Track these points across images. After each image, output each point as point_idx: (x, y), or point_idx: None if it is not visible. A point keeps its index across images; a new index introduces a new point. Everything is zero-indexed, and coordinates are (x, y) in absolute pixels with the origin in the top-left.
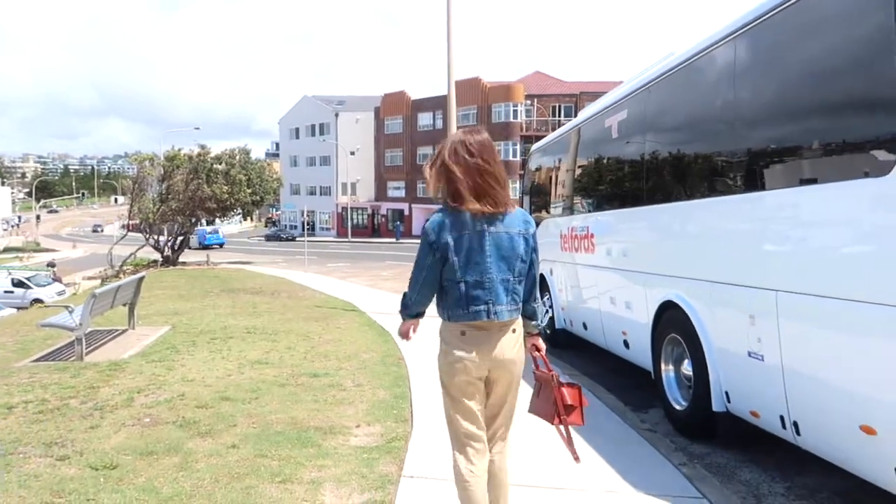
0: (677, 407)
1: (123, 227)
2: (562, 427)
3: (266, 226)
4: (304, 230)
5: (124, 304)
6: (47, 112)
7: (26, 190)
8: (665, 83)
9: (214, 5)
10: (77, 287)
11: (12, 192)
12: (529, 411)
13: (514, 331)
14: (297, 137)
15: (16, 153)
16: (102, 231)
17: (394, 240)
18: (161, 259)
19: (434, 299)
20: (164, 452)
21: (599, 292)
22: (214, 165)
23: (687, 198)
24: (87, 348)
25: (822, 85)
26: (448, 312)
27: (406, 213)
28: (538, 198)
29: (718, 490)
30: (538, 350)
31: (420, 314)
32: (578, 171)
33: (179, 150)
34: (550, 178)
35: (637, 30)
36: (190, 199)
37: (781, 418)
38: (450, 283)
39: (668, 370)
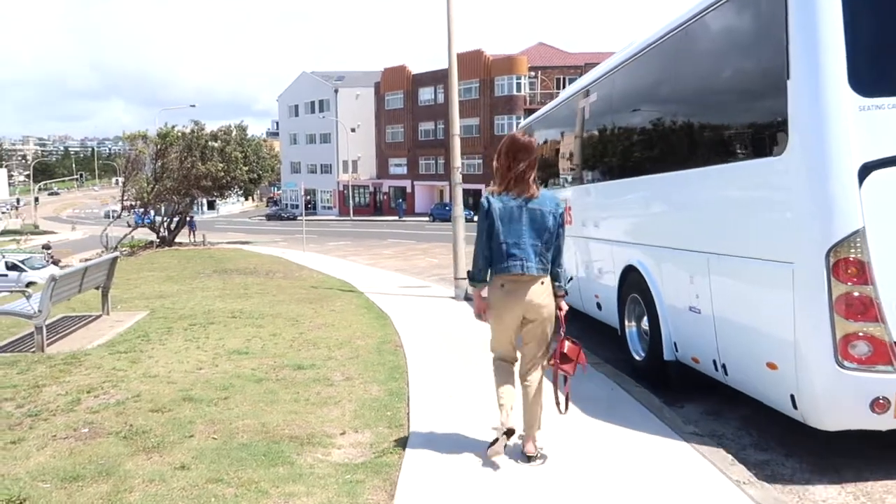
0: (637, 358)
1: (122, 208)
2: (558, 378)
3: (267, 205)
4: (302, 208)
5: (97, 288)
6: (48, 94)
7: (26, 172)
8: (616, 76)
9: None
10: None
11: (12, 175)
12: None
13: (542, 283)
14: (297, 115)
15: (16, 136)
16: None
17: (396, 218)
18: (157, 240)
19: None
20: (92, 477)
21: (577, 261)
22: (209, 143)
23: (639, 174)
24: (51, 338)
25: (733, 86)
26: (494, 267)
27: (408, 190)
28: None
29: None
30: (560, 309)
31: (485, 280)
32: (554, 151)
33: (173, 126)
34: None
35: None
36: (184, 177)
37: (714, 362)
38: (496, 243)
39: (630, 326)
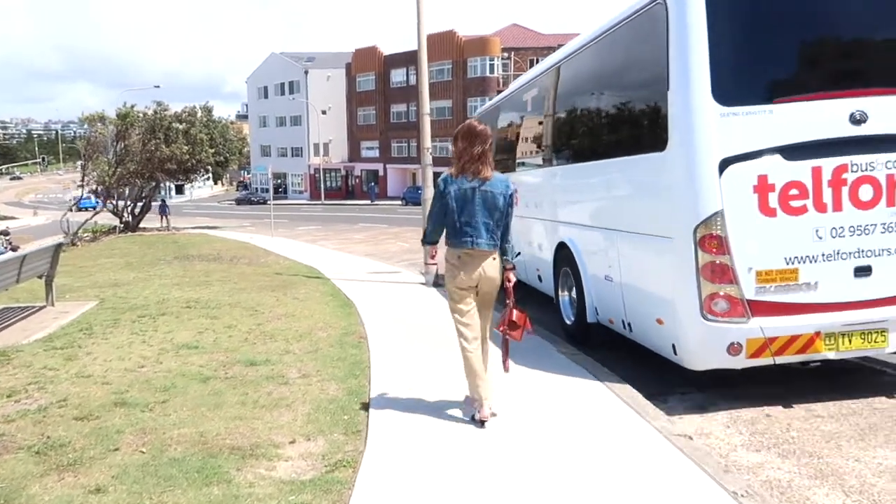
0: (568, 322)
1: (83, 193)
2: (504, 340)
3: (237, 189)
4: (271, 192)
5: (39, 277)
6: (10, 76)
7: None
8: (544, 78)
9: None
10: None
11: None
12: (494, 328)
13: (493, 258)
14: (266, 97)
15: None
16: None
17: (368, 202)
18: (120, 225)
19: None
20: None
21: (522, 239)
22: (173, 124)
23: (565, 163)
24: None
25: (631, 93)
26: (452, 241)
27: (381, 173)
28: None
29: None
30: (509, 281)
31: (434, 242)
32: (503, 138)
33: (132, 106)
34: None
35: None
36: (147, 160)
37: (623, 322)
38: (449, 220)
39: (563, 295)
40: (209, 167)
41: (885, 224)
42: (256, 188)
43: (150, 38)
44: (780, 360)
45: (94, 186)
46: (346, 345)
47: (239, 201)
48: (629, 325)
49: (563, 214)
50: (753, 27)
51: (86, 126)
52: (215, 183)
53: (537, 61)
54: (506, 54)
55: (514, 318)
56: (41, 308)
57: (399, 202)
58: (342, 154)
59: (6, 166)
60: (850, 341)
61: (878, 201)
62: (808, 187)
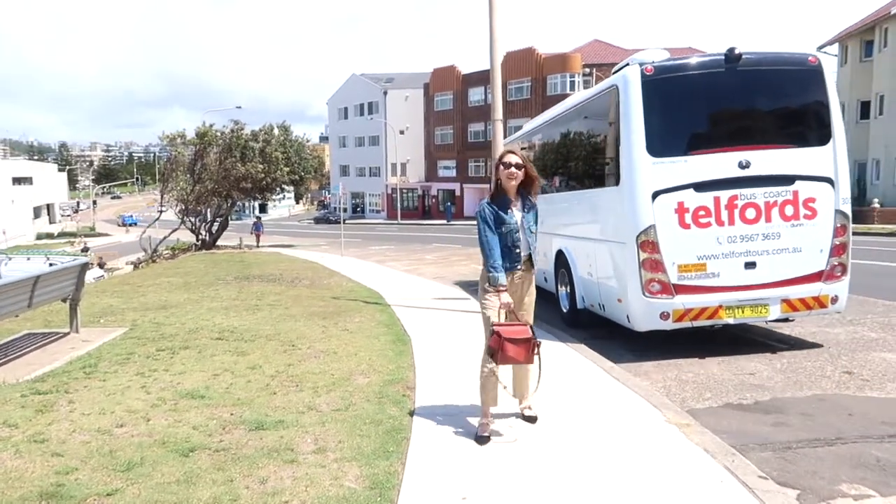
0: (564, 310)
1: (160, 211)
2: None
3: (317, 209)
4: (340, 211)
5: (64, 300)
6: (115, 103)
7: (93, 177)
8: (546, 129)
9: None
10: (112, 273)
11: (78, 180)
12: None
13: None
14: (346, 117)
15: (84, 143)
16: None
17: (444, 222)
18: (197, 242)
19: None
20: None
21: (582, 260)
22: (249, 143)
23: (561, 191)
24: None
25: (599, 146)
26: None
27: (457, 193)
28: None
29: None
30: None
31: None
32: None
33: (211, 125)
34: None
35: None
36: (223, 178)
37: (599, 304)
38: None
39: (561, 290)
40: (284, 185)
41: (763, 234)
42: (335, 207)
43: (241, 63)
44: (695, 324)
45: (174, 204)
46: (386, 399)
47: (317, 220)
48: (602, 306)
49: (560, 229)
50: (672, 106)
51: (166, 145)
52: (296, 202)
53: None
54: (587, 70)
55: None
56: (64, 335)
57: (475, 222)
58: (419, 174)
59: (106, 186)
60: (742, 312)
61: (758, 219)
62: (711, 209)
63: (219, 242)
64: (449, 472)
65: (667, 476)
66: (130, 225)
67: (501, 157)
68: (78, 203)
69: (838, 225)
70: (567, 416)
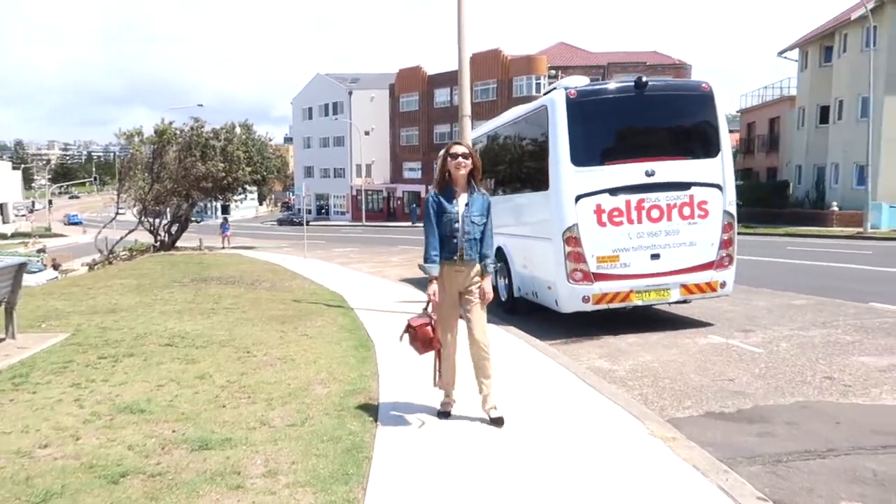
0: (503, 299)
1: (117, 211)
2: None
3: (281, 210)
4: (304, 212)
5: None
6: (73, 100)
7: (50, 177)
8: (486, 139)
9: None
10: (67, 274)
11: (34, 179)
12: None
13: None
14: (311, 118)
15: (42, 141)
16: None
17: (410, 224)
18: (156, 244)
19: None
20: None
21: (518, 253)
22: (210, 141)
23: (501, 193)
24: None
25: (533, 155)
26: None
27: (423, 195)
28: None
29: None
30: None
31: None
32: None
33: (170, 123)
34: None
35: None
36: (183, 177)
37: (533, 292)
38: None
39: (500, 282)
40: (246, 185)
41: (666, 231)
42: (299, 209)
43: (205, 62)
44: (611, 306)
45: (132, 204)
46: (347, 412)
47: (281, 222)
48: (535, 293)
49: (499, 228)
50: (592, 124)
51: (123, 143)
52: (260, 203)
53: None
54: (553, 72)
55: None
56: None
57: None
58: (384, 175)
59: (63, 185)
60: (649, 295)
61: (662, 218)
62: (623, 210)
63: (179, 244)
64: (415, 499)
65: (657, 499)
66: (76, 224)
67: (448, 148)
68: (33, 203)
69: (726, 223)
70: (538, 422)
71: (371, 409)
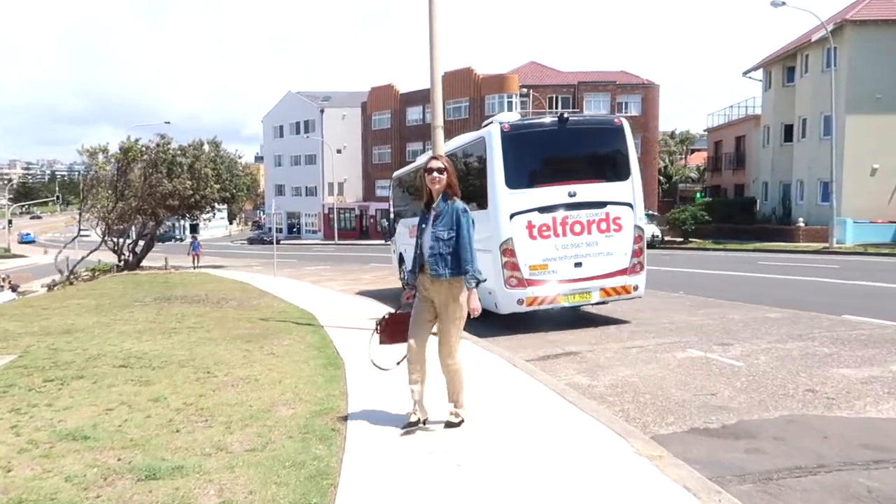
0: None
1: (79, 230)
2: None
3: (252, 229)
4: (274, 230)
5: None
6: (35, 119)
7: (10, 196)
8: (413, 174)
9: (198, 11)
10: (25, 296)
11: None
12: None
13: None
14: (282, 136)
15: (2, 160)
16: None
17: (383, 242)
18: (119, 263)
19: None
20: None
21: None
22: (177, 158)
23: (410, 218)
24: None
25: (475, 179)
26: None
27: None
28: (398, 209)
29: None
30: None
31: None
32: (409, 198)
33: (136, 140)
34: (402, 197)
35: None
36: (148, 194)
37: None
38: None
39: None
40: (215, 203)
41: (586, 243)
42: (270, 228)
43: (172, 81)
44: (542, 307)
45: (94, 223)
46: (312, 434)
47: (251, 241)
48: (480, 298)
49: (402, 240)
50: (523, 153)
51: (86, 160)
52: (230, 222)
53: (557, 99)
54: (524, 91)
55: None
56: None
57: None
58: (357, 193)
59: (24, 205)
60: (574, 298)
61: (583, 232)
62: (550, 225)
63: (144, 263)
64: None
65: None
66: (28, 243)
67: (426, 163)
68: None
69: (636, 235)
70: (518, 442)
71: (338, 431)
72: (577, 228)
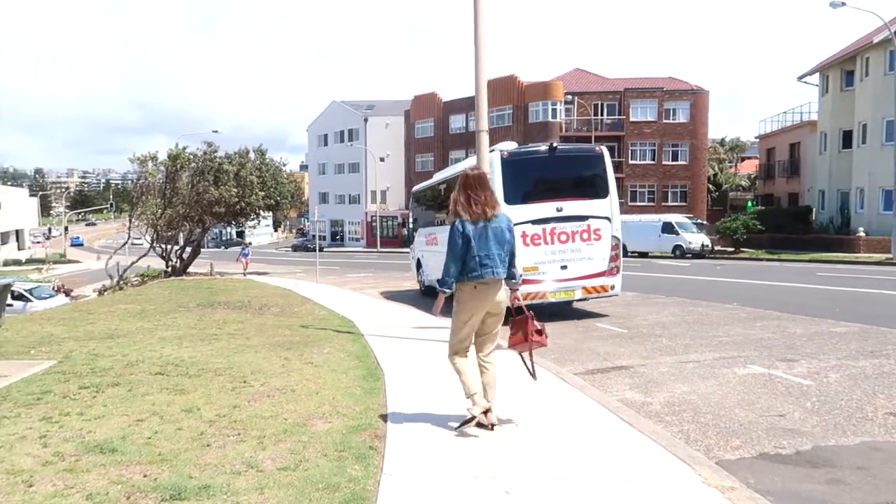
0: (421, 288)
1: (129, 237)
2: (525, 355)
3: (296, 236)
4: (317, 237)
5: None
6: (93, 130)
7: (68, 204)
8: (438, 185)
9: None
10: (78, 299)
11: (53, 206)
12: (508, 346)
13: (503, 285)
14: (326, 144)
15: (62, 169)
16: (124, 244)
17: None
18: (167, 269)
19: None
20: None
21: (428, 261)
22: (224, 166)
23: (427, 228)
24: None
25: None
26: (467, 275)
27: None
28: (415, 219)
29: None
30: (517, 300)
31: (454, 282)
32: (425, 210)
33: (184, 148)
34: (419, 210)
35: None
36: (195, 202)
37: (436, 280)
38: (470, 256)
39: (420, 277)
40: (259, 210)
41: (571, 249)
42: (314, 235)
43: (222, 93)
44: (533, 302)
45: (144, 229)
46: (348, 453)
47: (295, 248)
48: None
49: (420, 247)
50: (519, 175)
51: (137, 167)
52: (275, 230)
53: (602, 106)
54: (569, 98)
55: (537, 327)
56: None
57: None
58: (399, 201)
59: (80, 212)
60: (560, 294)
61: (568, 241)
62: (541, 235)
63: (191, 269)
64: None
65: None
66: (77, 246)
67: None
68: (49, 229)
69: (613, 244)
70: (573, 466)
71: (376, 450)
72: (564, 238)
